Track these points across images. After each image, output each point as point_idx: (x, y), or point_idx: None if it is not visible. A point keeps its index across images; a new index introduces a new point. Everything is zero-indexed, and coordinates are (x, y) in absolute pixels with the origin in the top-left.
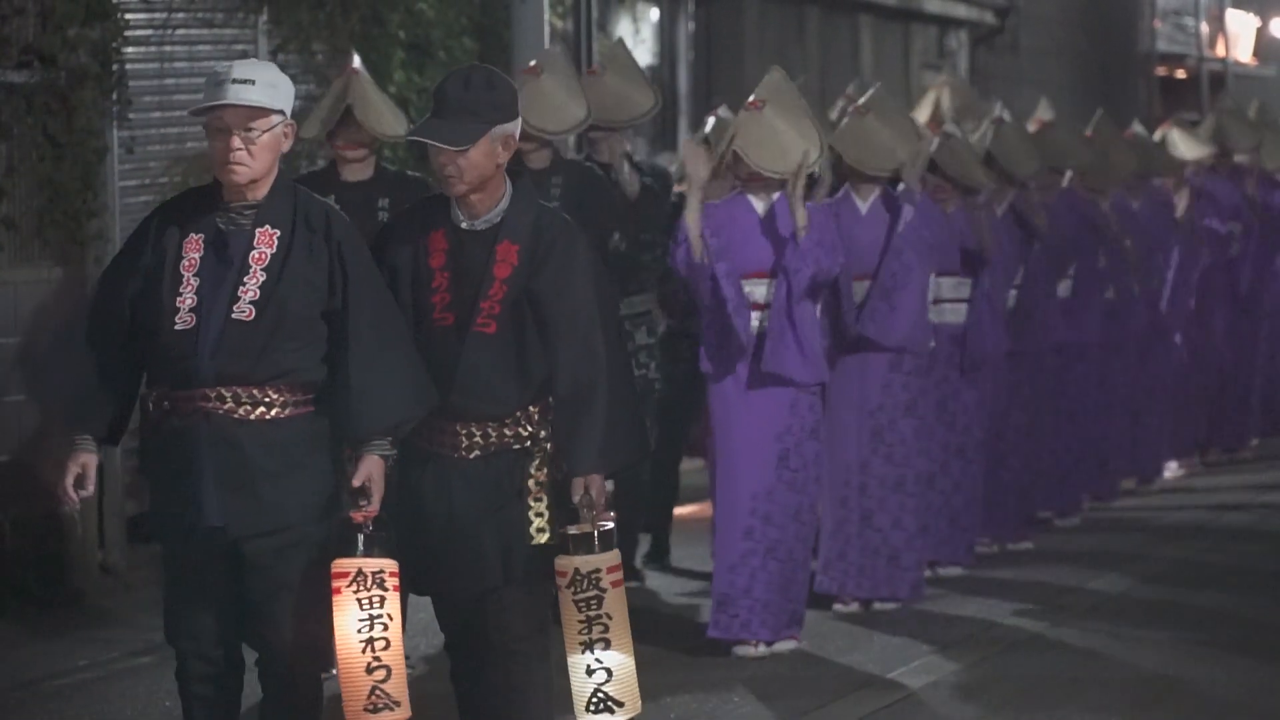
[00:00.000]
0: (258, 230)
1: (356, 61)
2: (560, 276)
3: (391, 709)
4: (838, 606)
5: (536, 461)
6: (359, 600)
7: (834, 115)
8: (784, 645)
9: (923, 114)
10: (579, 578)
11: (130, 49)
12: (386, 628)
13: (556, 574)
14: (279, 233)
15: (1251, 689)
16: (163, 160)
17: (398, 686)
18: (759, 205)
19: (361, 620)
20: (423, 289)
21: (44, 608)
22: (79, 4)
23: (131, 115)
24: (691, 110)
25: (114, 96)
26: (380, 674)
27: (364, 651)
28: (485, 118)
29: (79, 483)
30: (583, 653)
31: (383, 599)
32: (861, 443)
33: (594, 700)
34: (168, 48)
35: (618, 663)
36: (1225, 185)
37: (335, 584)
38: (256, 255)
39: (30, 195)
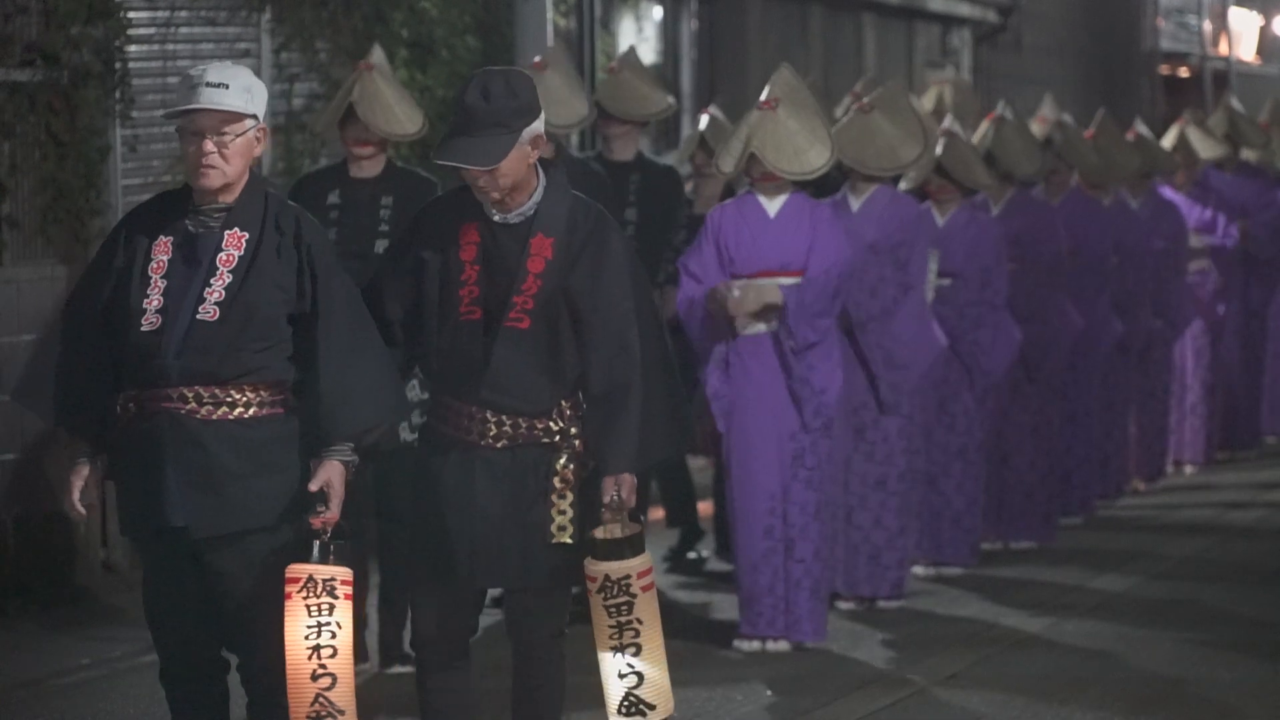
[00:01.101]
0: (226, 232)
1: (374, 57)
2: (594, 270)
3: (335, 718)
4: (840, 603)
5: (564, 458)
6: (308, 607)
7: (839, 112)
8: (779, 644)
9: (925, 108)
10: (609, 584)
11: (133, 47)
12: (334, 635)
13: (586, 579)
14: (248, 235)
15: (1256, 688)
16: (165, 159)
17: (343, 695)
18: (770, 205)
19: (309, 627)
20: (451, 282)
21: (47, 606)
22: (82, 3)
23: (134, 114)
24: (695, 108)
25: (117, 95)
26: (325, 681)
27: (310, 658)
28: (513, 126)
29: (84, 495)
30: (614, 656)
31: (332, 606)
32: (845, 440)
33: (625, 703)
34: (170, 46)
35: (649, 666)
36: (1235, 182)
37: (287, 589)
38: (224, 257)
39: (33, 194)
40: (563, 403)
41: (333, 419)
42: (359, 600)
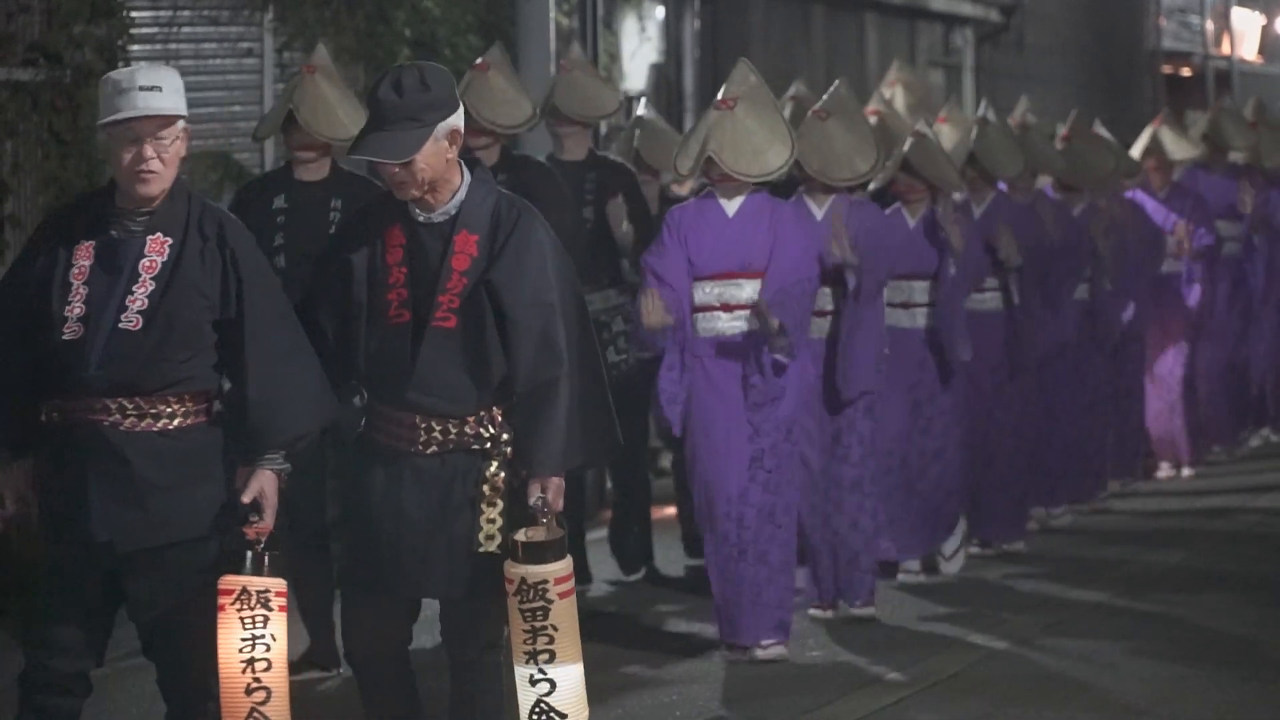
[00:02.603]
0: (149, 238)
1: (317, 57)
2: (516, 264)
3: None
4: (812, 611)
5: (494, 465)
6: (242, 619)
7: (787, 114)
8: (772, 652)
9: (874, 106)
10: (525, 587)
11: (136, 47)
12: (269, 649)
13: (505, 581)
14: (171, 240)
15: (1251, 692)
16: None
17: (278, 709)
18: (729, 206)
19: (244, 639)
20: (379, 286)
21: None
22: (84, 2)
23: None
24: (697, 107)
25: None
26: (260, 695)
27: (244, 672)
28: (425, 120)
29: (4, 503)
30: (526, 663)
31: (266, 619)
32: (819, 447)
33: (535, 710)
34: (173, 45)
35: (563, 675)
36: (1219, 183)
37: (220, 600)
38: (147, 263)
39: (36, 192)
40: (494, 408)
41: (263, 428)
42: (325, 607)
